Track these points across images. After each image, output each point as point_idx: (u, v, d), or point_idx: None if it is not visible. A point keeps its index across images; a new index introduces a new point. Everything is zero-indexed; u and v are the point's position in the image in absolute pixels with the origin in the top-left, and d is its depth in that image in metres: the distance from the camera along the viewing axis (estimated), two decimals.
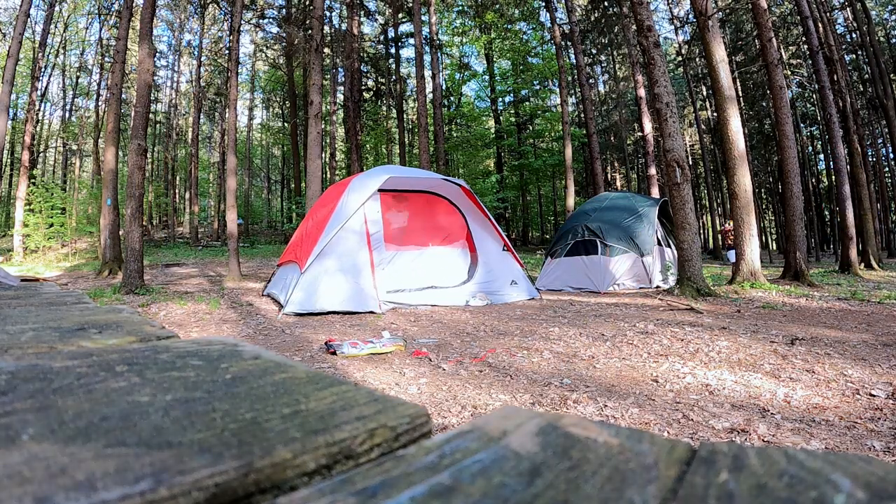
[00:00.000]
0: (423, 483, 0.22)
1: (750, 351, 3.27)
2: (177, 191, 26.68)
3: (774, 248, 29.45)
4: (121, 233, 10.10)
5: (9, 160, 23.66)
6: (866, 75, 20.33)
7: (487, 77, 24.30)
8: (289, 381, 0.37)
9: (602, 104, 28.09)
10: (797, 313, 4.94)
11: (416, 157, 19.27)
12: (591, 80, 25.53)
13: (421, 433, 0.30)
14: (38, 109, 21.58)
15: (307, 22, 12.41)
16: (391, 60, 22.49)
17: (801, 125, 24.41)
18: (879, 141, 23.39)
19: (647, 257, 7.54)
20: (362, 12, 18.95)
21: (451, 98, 24.33)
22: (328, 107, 22.03)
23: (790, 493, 0.21)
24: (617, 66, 26.18)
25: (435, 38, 16.65)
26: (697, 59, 23.39)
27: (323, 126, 14.61)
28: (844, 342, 3.51)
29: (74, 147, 23.88)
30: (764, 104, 22.91)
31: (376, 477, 0.23)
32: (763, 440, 1.89)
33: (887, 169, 26.46)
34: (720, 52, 7.25)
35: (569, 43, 19.13)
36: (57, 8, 19.09)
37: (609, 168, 27.95)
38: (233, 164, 9.28)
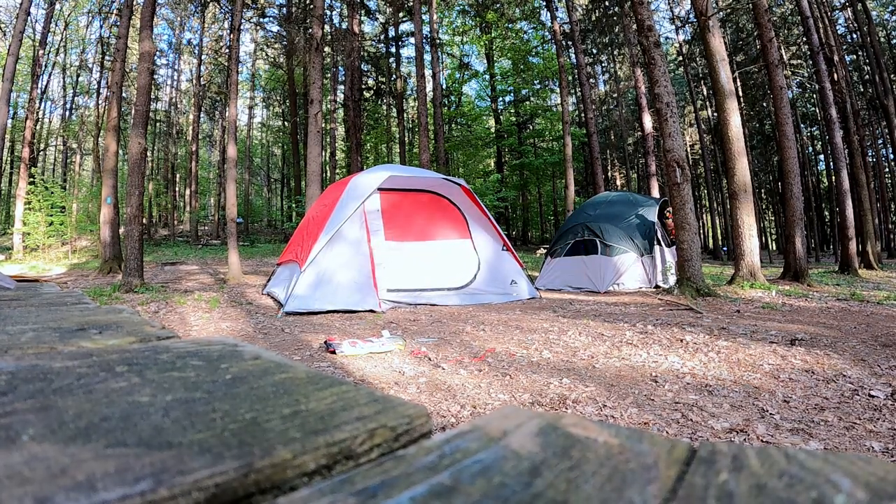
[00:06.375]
0: (424, 483, 0.22)
1: (749, 351, 3.27)
2: (177, 189, 26.69)
3: (774, 248, 29.48)
4: (121, 231, 10.09)
5: (9, 158, 23.66)
6: (867, 76, 20.34)
7: (488, 76, 24.27)
8: (289, 381, 0.37)
9: (602, 103, 28.08)
10: (797, 313, 4.94)
11: (416, 157, 19.25)
12: (591, 80, 25.51)
13: (421, 433, 0.30)
14: (39, 107, 21.59)
15: (307, 21, 12.39)
16: (392, 59, 22.48)
17: (802, 125, 24.40)
18: (879, 141, 23.38)
19: (647, 257, 7.53)
20: (363, 11, 18.93)
21: (452, 97, 24.31)
22: (328, 105, 22.02)
23: (790, 493, 0.21)
24: (617, 65, 26.15)
25: (435, 37, 16.63)
26: (698, 59, 23.37)
27: (323, 125, 14.60)
28: (844, 343, 3.51)
29: (74, 145, 23.88)
30: (764, 104, 22.90)
31: (376, 477, 0.23)
32: (762, 440, 1.89)
33: (887, 169, 26.46)
34: (721, 52, 7.24)
35: (569, 42, 19.12)
36: (57, 6, 19.08)
37: (609, 167, 27.95)
38: (233, 154, 9.21)
